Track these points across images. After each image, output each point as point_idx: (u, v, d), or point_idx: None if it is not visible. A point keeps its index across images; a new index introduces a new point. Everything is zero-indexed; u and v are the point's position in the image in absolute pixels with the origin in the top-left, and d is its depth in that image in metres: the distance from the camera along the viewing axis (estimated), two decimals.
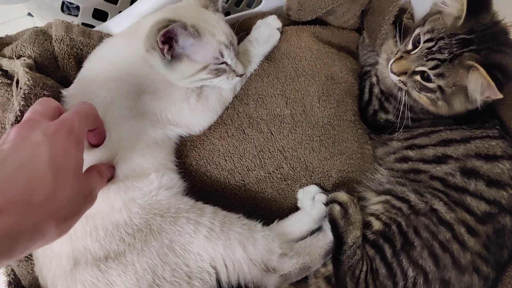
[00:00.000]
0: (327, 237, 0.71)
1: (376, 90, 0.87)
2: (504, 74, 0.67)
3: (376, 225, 0.70)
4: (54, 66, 0.76)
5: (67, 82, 0.74)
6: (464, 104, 0.73)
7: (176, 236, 0.63)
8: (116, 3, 1.09)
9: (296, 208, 0.77)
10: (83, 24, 1.04)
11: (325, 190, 0.77)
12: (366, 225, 0.70)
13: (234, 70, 0.73)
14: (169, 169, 0.73)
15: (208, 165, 0.76)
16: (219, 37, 0.70)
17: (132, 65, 0.70)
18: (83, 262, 0.60)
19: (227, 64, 0.72)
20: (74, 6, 1.06)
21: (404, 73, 0.75)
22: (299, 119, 0.78)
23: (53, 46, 0.75)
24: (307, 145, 0.77)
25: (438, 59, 0.70)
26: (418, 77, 0.74)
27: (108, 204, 0.63)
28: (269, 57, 0.83)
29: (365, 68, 0.93)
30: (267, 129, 0.77)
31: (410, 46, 0.75)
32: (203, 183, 0.76)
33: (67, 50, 0.75)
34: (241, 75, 0.74)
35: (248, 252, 0.65)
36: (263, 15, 0.88)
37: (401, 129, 0.81)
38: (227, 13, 1.12)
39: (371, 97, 0.87)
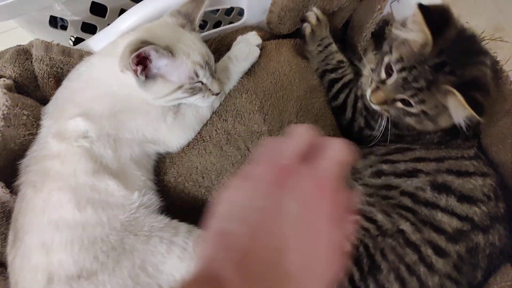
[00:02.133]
0: None
1: (360, 105, 0.85)
2: (483, 90, 0.66)
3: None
4: (34, 85, 0.77)
5: (46, 101, 0.76)
6: (450, 120, 0.72)
7: (149, 256, 0.63)
8: (104, 16, 1.10)
9: None
10: (76, 38, 1.07)
11: None
12: None
13: (209, 89, 0.73)
14: (149, 188, 0.74)
15: (186, 182, 0.77)
16: (194, 57, 0.70)
17: (108, 84, 0.71)
18: (56, 280, 0.60)
19: (202, 83, 0.72)
20: (64, 19, 1.07)
21: (384, 102, 0.74)
22: (277, 136, 0.78)
23: (33, 65, 0.76)
24: None
25: (415, 88, 0.68)
26: (400, 104, 0.72)
27: (96, 217, 0.64)
28: (249, 73, 0.83)
29: (331, 76, 0.88)
30: (245, 146, 0.77)
31: (383, 75, 0.73)
32: (181, 200, 0.77)
33: (46, 69, 0.76)
34: (217, 94, 0.74)
35: None
36: (244, 29, 0.89)
37: (387, 142, 0.80)
38: (218, 22, 1.12)
39: (355, 114, 0.85)
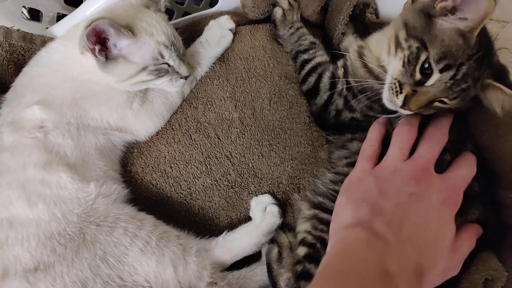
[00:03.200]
0: (264, 273, 0.68)
1: (340, 85, 0.77)
2: (507, 73, 0.64)
3: (302, 252, 0.65)
4: None
5: (7, 89, 0.72)
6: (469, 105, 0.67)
7: (111, 248, 0.61)
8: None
9: (246, 217, 0.73)
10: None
11: (275, 197, 0.72)
12: (295, 258, 0.67)
13: (177, 72, 0.70)
14: (110, 177, 0.70)
15: (153, 172, 0.73)
16: (158, 37, 0.67)
17: (68, 69, 0.68)
18: (12, 274, 0.58)
19: (169, 65, 0.69)
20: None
21: (422, 107, 0.65)
22: (248, 123, 0.74)
23: None
24: (256, 150, 0.73)
25: (463, 89, 0.62)
26: (437, 104, 0.65)
27: (49, 213, 0.61)
28: (222, 58, 0.80)
29: (303, 56, 0.82)
30: (214, 134, 0.73)
31: (418, 76, 0.63)
32: (149, 192, 0.73)
33: (6, 56, 0.73)
34: (186, 77, 0.71)
35: (177, 274, 0.62)
36: (219, 15, 0.85)
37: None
38: (187, 14, 1.08)
39: (332, 95, 0.78)
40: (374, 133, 0.67)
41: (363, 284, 0.44)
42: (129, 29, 0.63)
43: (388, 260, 0.46)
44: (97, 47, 0.62)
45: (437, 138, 0.62)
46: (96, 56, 0.63)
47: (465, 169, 0.59)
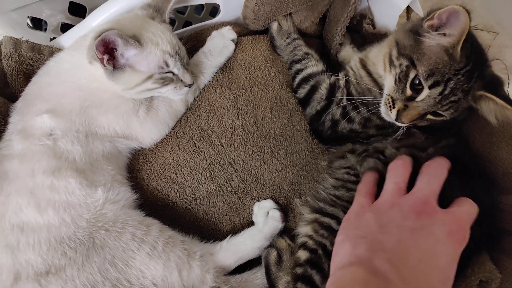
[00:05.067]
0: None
1: (339, 95, 0.79)
2: (501, 83, 0.66)
3: (303, 256, 0.67)
4: (4, 83, 0.76)
5: (16, 99, 0.74)
6: (465, 115, 0.72)
7: (120, 252, 0.63)
8: (83, 17, 1.09)
9: (249, 222, 0.75)
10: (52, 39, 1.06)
11: (276, 202, 0.75)
12: (295, 261, 0.68)
13: (182, 80, 0.72)
14: (118, 182, 0.72)
15: (159, 179, 0.75)
16: (164, 47, 0.69)
17: (76, 78, 0.70)
18: (24, 278, 0.59)
19: (174, 74, 0.71)
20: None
21: (414, 120, 0.69)
22: (250, 131, 0.76)
23: (2, 63, 0.75)
24: (258, 157, 0.75)
25: (452, 101, 0.65)
26: (430, 116, 0.69)
27: (59, 218, 0.63)
28: (224, 68, 0.82)
29: (296, 66, 0.84)
30: (218, 141, 0.76)
31: (409, 92, 0.67)
32: (154, 197, 0.75)
33: (15, 66, 0.75)
34: (189, 85, 0.73)
35: (182, 277, 0.64)
36: (221, 26, 0.87)
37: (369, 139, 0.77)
38: (188, 23, 1.11)
39: (328, 105, 0.79)
40: (369, 176, 0.65)
41: None
42: (136, 39, 0.65)
43: None
44: (105, 57, 0.64)
45: (436, 172, 0.58)
46: (105, 66, 0.65)
47: (467, 205, 0.55)
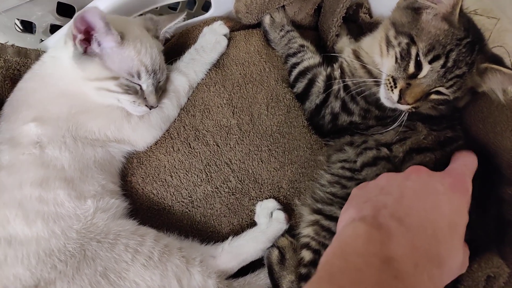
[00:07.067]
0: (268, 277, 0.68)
1: (336, 86, 0.76)
2: (502, 62, 0.64)
3: (307, 256, 0.65)
4: None
5: (3, 104, 0.72)
6: (466, 100, 0.69)
7: (112, 264, 0.60)
8: (71, 17, 1.06)
9: (248, 223, 0.73)
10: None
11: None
12: (299, 261, 0.66)
13: (145, 98, 0.69)
14: (109, 192, 0.70)
15: (154, 182, 0.73)
16: (144, 58, 0.67)
17: (61, 83, 0.68)
18: None
19: (141, 88, 0.68)
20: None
21: (419, 100, 0.66)
22: (246, 129, 0.74)
23: None
24: (255, 156, 0.73)
25: (457, 75, 0.63)
26: (434, 96, 0.66)
27: (48, 230, 0.61)
28: (217, 65, 0.80)
29: (292, 60, 0.81)
30: (213, 141, 0.74)
31: (412, 69, 0.65)
32: (150, 201, 0.73)
33: (1, 72, 0.73)
34: (150, 108, 0.70)
35: (182, 286, 0.62)
36: (213, 21, 0.85)
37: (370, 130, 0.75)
38: None
39: (327, 98, 0.77)
40: None
41: (359, 275, 0.41)
42: (120, 36, 0.63)
43: (392, 248, 0.43)
44: (79, 36, 0.61)
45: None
46: (75, 44, 0.62)
47: (465, 158, 0.58)
